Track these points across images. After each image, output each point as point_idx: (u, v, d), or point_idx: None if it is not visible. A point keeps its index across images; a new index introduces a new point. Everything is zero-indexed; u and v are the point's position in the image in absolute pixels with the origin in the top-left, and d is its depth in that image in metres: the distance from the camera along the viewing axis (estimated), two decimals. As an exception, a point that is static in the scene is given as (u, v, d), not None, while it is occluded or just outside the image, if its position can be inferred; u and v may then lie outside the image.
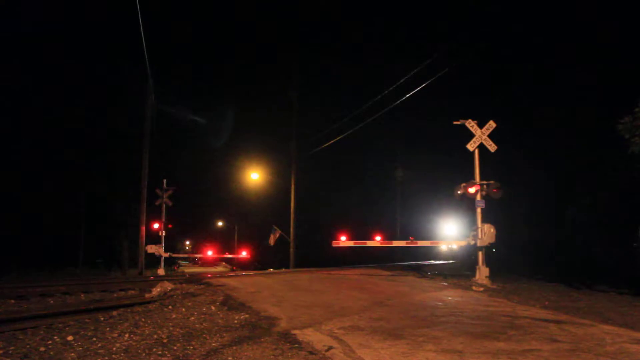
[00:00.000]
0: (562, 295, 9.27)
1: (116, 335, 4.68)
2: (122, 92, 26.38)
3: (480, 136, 11.43)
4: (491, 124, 11.53)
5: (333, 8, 46.69)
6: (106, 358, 3.90)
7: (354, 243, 13.48)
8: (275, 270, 17.17)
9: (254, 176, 27.30)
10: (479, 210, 11.22)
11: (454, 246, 25.32)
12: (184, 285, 8.20)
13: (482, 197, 11.27)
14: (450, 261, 29.75)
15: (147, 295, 7.56)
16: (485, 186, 11.27)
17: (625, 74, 15.43)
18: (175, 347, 4.18)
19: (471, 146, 11.46)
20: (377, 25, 46.36)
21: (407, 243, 13.28)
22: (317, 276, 11.11)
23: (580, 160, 19.12)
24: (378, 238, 14.08)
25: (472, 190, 11.21)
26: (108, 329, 5.00)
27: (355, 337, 4.36)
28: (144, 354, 3.97)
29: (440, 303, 6.92)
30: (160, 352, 4.02)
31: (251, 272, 14.84)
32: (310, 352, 3.86)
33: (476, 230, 11.18)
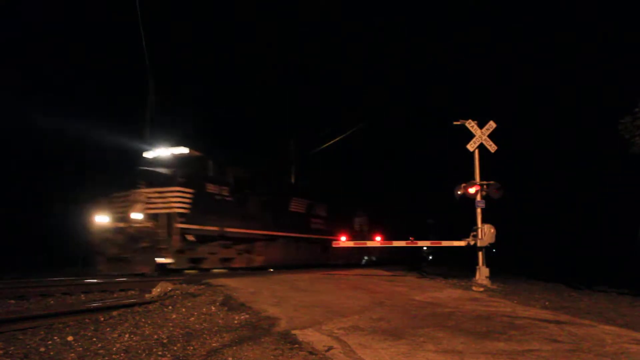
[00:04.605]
0: (562, 296, 9.27)
1: (116, 335, 4.68)
2: (123, 91, 26.41)
3: (481, 136, 11.43)
4: (491, 124, 11.52)
5: (333, 8, 46.69)
6: (106, 358, 3.90)
7: (354, 243, 13.48)
8: (276, 271, 17.16)
9: (254, 176, 27.25)
10: (479, 210, 11.22)
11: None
12: (183, 285, 8.19)
13: (482, 197, 11.27)
14: None
15: (147, 296, 7.55)
16: (485, 186, 11.27)
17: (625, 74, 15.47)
18: (175, 348, 4.17)
19: (471, 146, 11.46)
20: (377, 24, 46.37)
21: (407, 243, 13.27)
22: (318, 276, 11.10)
23: (580, 160, 19.14)
24: (378, 238, 14.07)
25: (472, 190, 11.21)
26: (108, 329, 4.99)
27: (356, 337, 4.35)
28: (144, 354, 3.97)
29: (440, 303, 6.91)
30: (160, 353, 4.01)
31: (251, 273, 14.82)
32: (311, 352, 3.85)
33: (476, 230, 11.19)
